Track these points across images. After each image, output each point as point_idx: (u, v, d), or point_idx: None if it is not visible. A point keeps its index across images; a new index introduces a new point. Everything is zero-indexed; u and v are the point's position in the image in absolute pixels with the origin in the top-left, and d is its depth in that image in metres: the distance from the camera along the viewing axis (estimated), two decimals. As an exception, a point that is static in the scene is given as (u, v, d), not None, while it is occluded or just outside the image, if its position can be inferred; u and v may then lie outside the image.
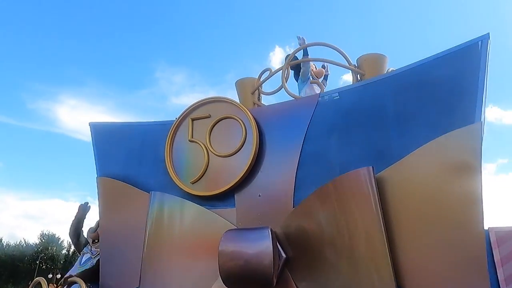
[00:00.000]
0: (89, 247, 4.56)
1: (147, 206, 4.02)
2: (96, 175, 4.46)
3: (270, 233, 3.30)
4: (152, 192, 4.03)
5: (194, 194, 3.94)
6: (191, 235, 3.78)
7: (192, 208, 3.84)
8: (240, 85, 5.11)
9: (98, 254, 4.38)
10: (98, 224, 4.50)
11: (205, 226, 3.77)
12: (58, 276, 49.49)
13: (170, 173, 4.09)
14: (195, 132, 4.18)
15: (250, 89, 4.97)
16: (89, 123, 4.66)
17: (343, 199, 3.19)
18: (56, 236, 65.19)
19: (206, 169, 3.99)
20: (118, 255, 4.06)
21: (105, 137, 4.58)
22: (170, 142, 4.22)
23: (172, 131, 4.25)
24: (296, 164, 3.67)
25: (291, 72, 5.31)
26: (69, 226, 4.65)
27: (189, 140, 4.17)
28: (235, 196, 3.86)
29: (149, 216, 3.93)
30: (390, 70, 4.40)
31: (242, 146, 3.91)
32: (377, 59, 4.45)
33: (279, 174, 3.72)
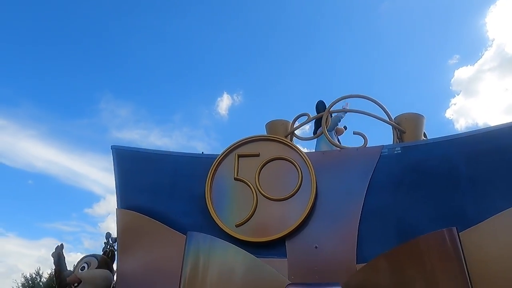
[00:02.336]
0: None
1: (180, 247, 3.52)
2: (116, 206, 3.87)
3: (344, 291, 2.99)
4: (190, 232, 3.55)
5: (238, 239, 3.53)
6: (238, 285, 3.32)
7: (239, 254, 3.40)
8: (271, 126, 4.89)
9: None
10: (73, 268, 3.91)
11: (253, 276, 3.33)
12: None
13: (211, 213, 3.66)
14: (241, 170, 3.84)
15: (283, 132, 4.76)
16: (111, 147, 4.11)
17: (424, 261, 3.01)
18: None
19: (254, 212, 3.63)
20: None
21: (130, 165, 4.05)
22: (211, 178, 3.82)
23: (214, 166, 3.86)
24: (359, 217, 3.46)
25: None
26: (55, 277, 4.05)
27: (234, 178, 3.80)
28: (286, 245, 3.51)
29: (186, 260, 3.42)
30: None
31: (298, 191, 3.64)
32: (417, 119, 4.52)
33: (339, 226, 3.48)
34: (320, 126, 5.16)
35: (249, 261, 3.37)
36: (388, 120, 4.56)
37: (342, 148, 4.24)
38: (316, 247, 3.46)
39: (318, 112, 5.22)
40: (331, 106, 4.64)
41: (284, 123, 4.89)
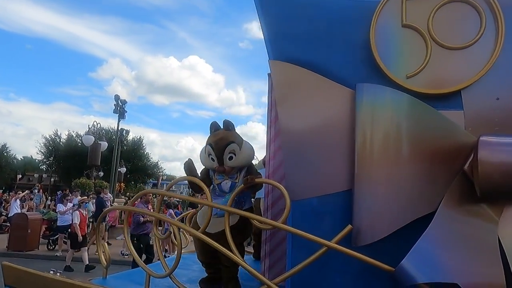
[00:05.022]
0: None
1: (345, 100, 3.37)
2: (268, 58, 3.58)
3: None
4: (359, 84, 3.34)
5: (411, 90, 3.32)
6: (417, 138, 3.24)
7: (418, 105, 3.24)
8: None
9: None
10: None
11: (433, 128, 3.24)
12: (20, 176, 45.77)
13: (379, 63, 3.38)
14: (409, 15, 3.41)
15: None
16: (251, -11, 3.60)
17: None
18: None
19: (428, 62, 3.34)
20: (305, 158, 3.41)
21: (277, 10, 3.60)
22: (375, 25, 3.43)
23: (378, 12, 3.43)
24: (551, 68, 3.17)
25: None
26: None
27: (402, 25, 3.41)
28: (462, 96, 3.32)
29: (359, 113, 3.29)
30: None
31: (480, 38, 3.28)
32: None
33: (527, 76, 3.22)
34: None
35: (429, 112, 3.23)
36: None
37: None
38: (497, 98, 3.27)
39: None
40: None
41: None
